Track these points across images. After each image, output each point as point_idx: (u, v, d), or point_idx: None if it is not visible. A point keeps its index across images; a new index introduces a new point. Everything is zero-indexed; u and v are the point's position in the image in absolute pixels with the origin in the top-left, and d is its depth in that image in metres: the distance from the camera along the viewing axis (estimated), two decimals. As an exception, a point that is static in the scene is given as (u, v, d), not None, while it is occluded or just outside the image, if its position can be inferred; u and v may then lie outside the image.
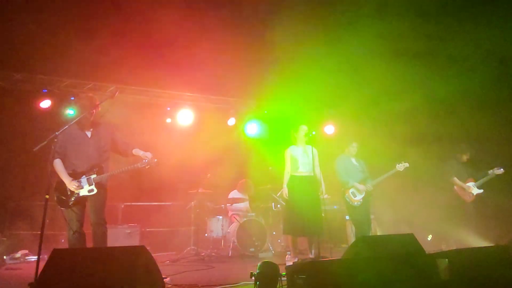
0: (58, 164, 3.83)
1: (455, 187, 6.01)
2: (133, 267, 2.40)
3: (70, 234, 3.77)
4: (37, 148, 3.33)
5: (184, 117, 8.16)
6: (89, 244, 3.90)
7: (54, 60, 6.22)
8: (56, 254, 2.47)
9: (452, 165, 6.14)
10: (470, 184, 5.98)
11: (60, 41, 5.56)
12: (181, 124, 8.23)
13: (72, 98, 6.94)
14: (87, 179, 3.85)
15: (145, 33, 5.76)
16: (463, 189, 5.96)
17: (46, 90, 6.95)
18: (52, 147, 3.47)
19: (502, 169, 5.88)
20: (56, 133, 3.43)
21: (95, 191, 3.85)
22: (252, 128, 8.75)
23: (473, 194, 5.92)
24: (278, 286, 2.73)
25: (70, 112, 6.95)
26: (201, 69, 6.67)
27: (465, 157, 6.13)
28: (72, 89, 7.21)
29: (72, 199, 3.80)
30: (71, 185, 3.77)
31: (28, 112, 6.85)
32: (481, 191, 5.94)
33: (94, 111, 4.01)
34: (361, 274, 2.68)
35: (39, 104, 6.94)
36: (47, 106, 7.00)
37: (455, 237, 5.69)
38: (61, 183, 3.82)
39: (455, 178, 6.00)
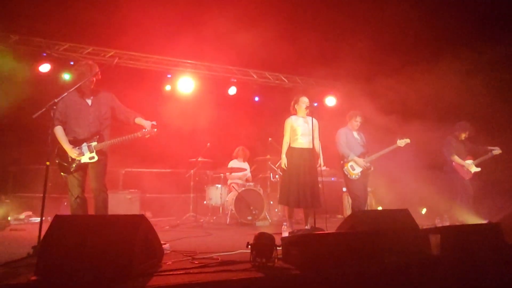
0: (59, 131, 3.84)
1: (453, 163, 6.08)
2: (133, 235, 2.46)
3: (72, 199, 3.84)
4: (36, 115, 3.32)
5: (185, 85, 8.07)
6: (90, 209, 3.99)
7: (52, 23, 6.07)
8: (58, 220, 2.53)
9: (451, 142, 6.18)
10: (469, 162, 6.06)
11: (58, 2, 5.38)
12: (181, 92, 8.15)
13: (72, 63, 6.83)
14: (88, 146, 3.87)
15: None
16: (463, 166, 6.05)
17: (45, 54, 6.82)
18: (52, 114, 3.45)
19: (499, 150, 5.94)
20: (55, 100, 3.40)
21: (96, 158, 3.88)
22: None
23: (471, 172, 6.03)
24: (273, 256, 2.81)
25: (69, 77, 6.87)
26: (203, 36, 6.51)
27: (463, 135, 6.17)
28: (70, 53, 7.08)
29: (74, 165, 3.84)
30: (72, 152, 3.80)
31: (28, 76, 6.77)
32: (479, 169, 6.04)
33: (94, 78, 3.96)
34: (355, 247, 2.76)
35: (38, 68, 6.85)
36: (46, 70, 6.92)
37: (449, 213, 5.81)
38: (62, 149, 3.85)
39: (456, 156, 6.07)
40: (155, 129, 4.03)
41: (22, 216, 6.54)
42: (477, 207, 5.75)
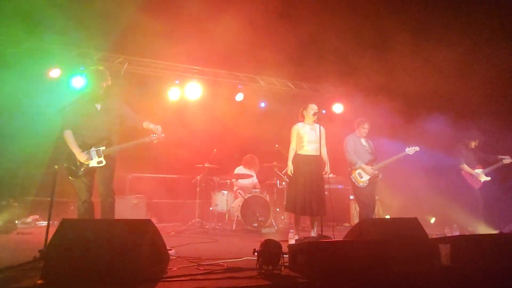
0: (68, 135, 3.87)
1: (463, 172, 6.01)
2: (140, 240, 2.45)
3: (79, 204, 3.87)
4: (46, 119, 3.35)
5: (192, 91, 8.10)
6: (97, 214, 3.99)
7: (63, 29, 6.15)
8: (65, 224, 2.53)
9: (461, 151, 6.12)
10: (479, 171, 6.00)
11: (70, 10, 5.47)
12: (189, 98, 8.19)
13: (82, 68, 6.91)
14: (96, 151, 3.90)
15: (154, 4, 5.63)
16: (472, 175, 5.97)
17: (55, 60, 6.92)
18: (62, 118, 3.49)
19: (510, 159, 5.89)
20: (65, 104, 3.44)
21: (104, 162, 3.90)
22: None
23: (480, 181, 5.96)
24: (280, 263, 2.78)
25: (79, 82, 6.95)
26: (211, 42, 6.56)
27: (473, 144, 6.12)
28: (80, 59, 7.17)
29: (82, 169, 3.86)
30: (81, 156, 3.82)
31: (38, 81, 6.86)
32: (489, 178, 5.97)
33: (104, 84, 4.01)
34: (363, 256, 2.71)
35: (48, 73, 6.94)
36: (56, 76, 7.00)
37: (459, 222, 5.72)
38: (71, 153, 3.87)
39: (465, 165, 6.01)
40: (163, 134, 4.05)
41: (29, 219, 6.58)
42: (487, 216, 5.64)
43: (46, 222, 3.28)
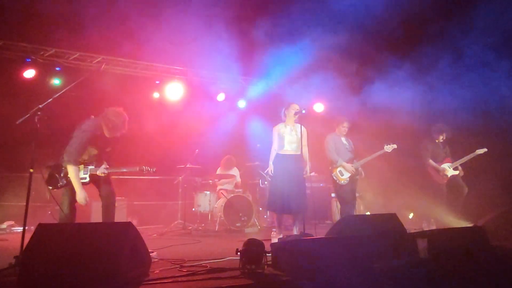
0: (73, 172, 3.78)
1: (428, 168, 6.01)
2: (120, 243, 2.41)
3: (61, 214, 3.82)
4: (20, 121, 3.25)
5: (173, 91, 8.02)
6: (80, 218, 3.96)
7: (37, 28, 5.97)
8: (42, 229, 2.46)
9: (427, 146, 6.05)
10: (445, 165, 5.93)
11: (44, 7, 5.31)
12: (170, 98, 8.10)
13: (58, 69, 6.72)
14: (84, 168, 3.93)
15: (132, 2, 5.54)
16: (438, 170, 5.93)
17: (29, 60, 6.69)
18: (36, 119, 3.36)
19: (485, 149, 5.74)
20: (40, 106, 3.34)
21: (87, 180, 3.92)
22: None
23: (447, 176, 5.89)
24: (262, 262, 2.80)
25: (56, 82, 6.76)
26: (191, 42, 6.51)
27: (441, 137, 6.01)
28: (56, 59, 6.97)
29: (64, 181, 3.84)
30: (82, 195, 3.79)
31: (11, 82, 6.63)
32: (457, 172, 5.89)
33: (119, 134, 4.07)
34: (344, 252, 2.76)
35: (22, 74, 6.71)
36: (31, 76, 6.78)
37: (435, 217, 5.83)
38: (59, 166, 3.86)
39: (431, 160, 5.97)
40: (154, 169, 4.27)
41: (4, 225, 6.36)
42: (460, 210, 5.73)
43: (22, 228, 3.18)
